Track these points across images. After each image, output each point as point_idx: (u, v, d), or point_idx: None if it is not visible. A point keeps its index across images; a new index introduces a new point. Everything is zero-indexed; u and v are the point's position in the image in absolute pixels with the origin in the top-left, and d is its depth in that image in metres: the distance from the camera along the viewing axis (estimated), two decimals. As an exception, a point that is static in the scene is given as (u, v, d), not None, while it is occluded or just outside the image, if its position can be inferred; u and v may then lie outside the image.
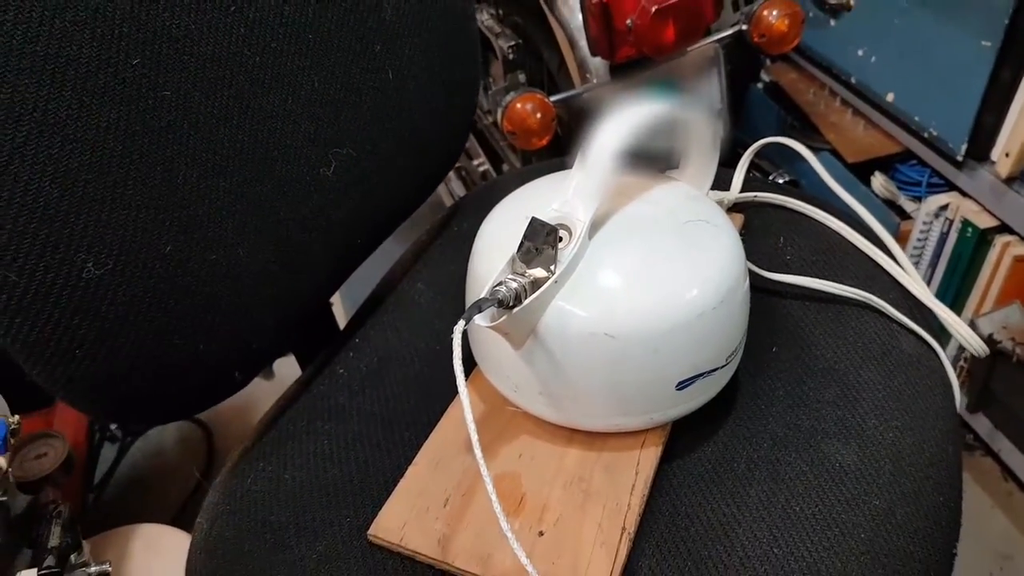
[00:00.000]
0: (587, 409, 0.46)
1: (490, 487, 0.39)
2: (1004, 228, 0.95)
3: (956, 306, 1.04)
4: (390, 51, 0.56)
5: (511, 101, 0.83)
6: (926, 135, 0.98)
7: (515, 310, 0.41)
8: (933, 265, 1.06)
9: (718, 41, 0.86)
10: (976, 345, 0.58)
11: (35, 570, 0.70)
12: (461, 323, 0.40)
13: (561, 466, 0.46)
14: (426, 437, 0.49)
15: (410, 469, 0.47)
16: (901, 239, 1.05)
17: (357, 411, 0.54)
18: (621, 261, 0.45)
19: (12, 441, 0.74)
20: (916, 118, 0.99)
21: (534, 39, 1.02)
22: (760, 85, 1.21)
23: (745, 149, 0.65)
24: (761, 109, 1.19)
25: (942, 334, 0.57)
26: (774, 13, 0.83)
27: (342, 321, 0.67)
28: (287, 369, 0.68)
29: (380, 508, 0.45)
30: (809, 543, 0.43)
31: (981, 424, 1.05)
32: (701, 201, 0.50)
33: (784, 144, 0.65)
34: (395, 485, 0.46)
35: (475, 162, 1.36)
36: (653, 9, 0.77)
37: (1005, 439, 1.02)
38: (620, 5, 0.79)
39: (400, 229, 0.66)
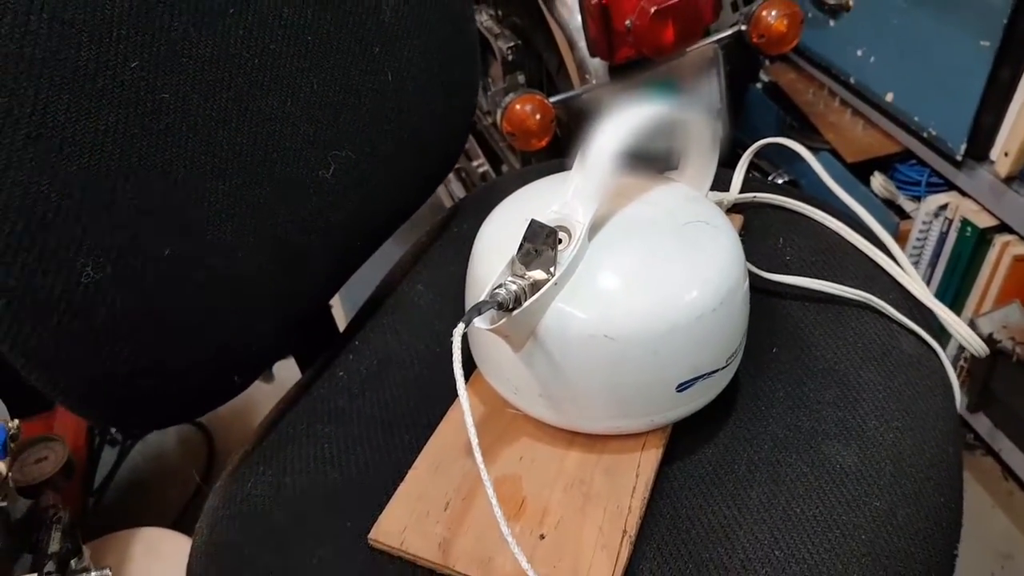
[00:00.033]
0: (587, 411, 0.46)
1: (490, 490, 0.39)
2: (1004, 227, 0.95)
3: (956, 306, 1.03)
4: (389, 53, 0.56)
5: (510, 102, 0.84)
6: (925, 135, 0.97)
7: (515, 312, 0.41)
8: (933, 265, 1.05)
9: (717, 42, 0.86)
10: (976, 345, 0.58)
11: (35, 575, 0.70)
12: (461, 326, 0.40)
13: (561, 469, 0.46)
14: (426, 440, 0.49)
15: (410, 472, 0.47)
16: (900, 239, 1.05)
17: (357, 414, 0.54)
18: (621, 263, 0.44)
19: (12, 445, 0.74)
20: (915, 118, 0.99)
21: (533, 40, 1.02)
22: (759, 85, 1.21)
23: (744, 149, 0.65)
24: (760, 109, 1.19)
25: (942, 334, 0.57)
26: (773, 13, 0.83)
27: (342, 323, 0.67)
28: (287, 372, 0.67)
29: (380, 512, 0.45)
30: (810, 545, 0.43)
31: (981, 424, 1.05)
32: (700, 202, 0.50)
33: (783, 144, 0.65)
34: (395, 488, 0.46)
35: (475, 163, 1.36)
36: (652, 10, 0.77)
37: (1005, 438, 1.02)
38: (619, 6, 0.79)
39: (400, 231, 0.66)
